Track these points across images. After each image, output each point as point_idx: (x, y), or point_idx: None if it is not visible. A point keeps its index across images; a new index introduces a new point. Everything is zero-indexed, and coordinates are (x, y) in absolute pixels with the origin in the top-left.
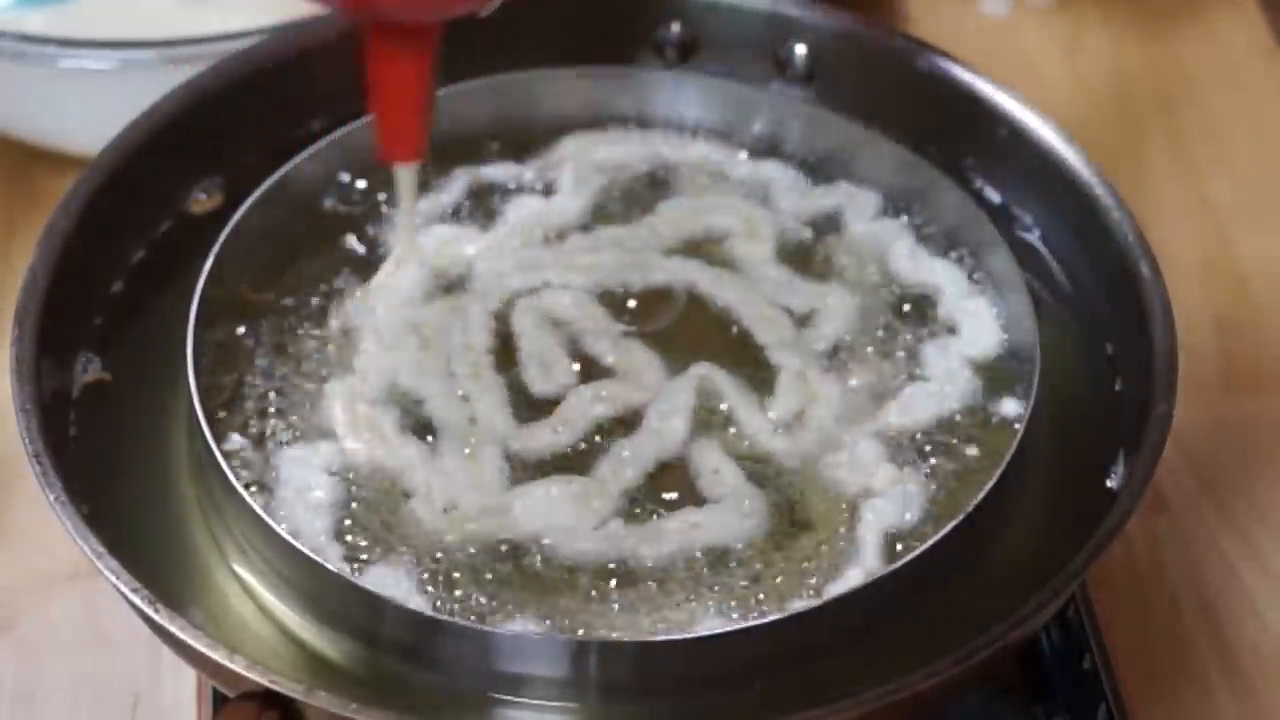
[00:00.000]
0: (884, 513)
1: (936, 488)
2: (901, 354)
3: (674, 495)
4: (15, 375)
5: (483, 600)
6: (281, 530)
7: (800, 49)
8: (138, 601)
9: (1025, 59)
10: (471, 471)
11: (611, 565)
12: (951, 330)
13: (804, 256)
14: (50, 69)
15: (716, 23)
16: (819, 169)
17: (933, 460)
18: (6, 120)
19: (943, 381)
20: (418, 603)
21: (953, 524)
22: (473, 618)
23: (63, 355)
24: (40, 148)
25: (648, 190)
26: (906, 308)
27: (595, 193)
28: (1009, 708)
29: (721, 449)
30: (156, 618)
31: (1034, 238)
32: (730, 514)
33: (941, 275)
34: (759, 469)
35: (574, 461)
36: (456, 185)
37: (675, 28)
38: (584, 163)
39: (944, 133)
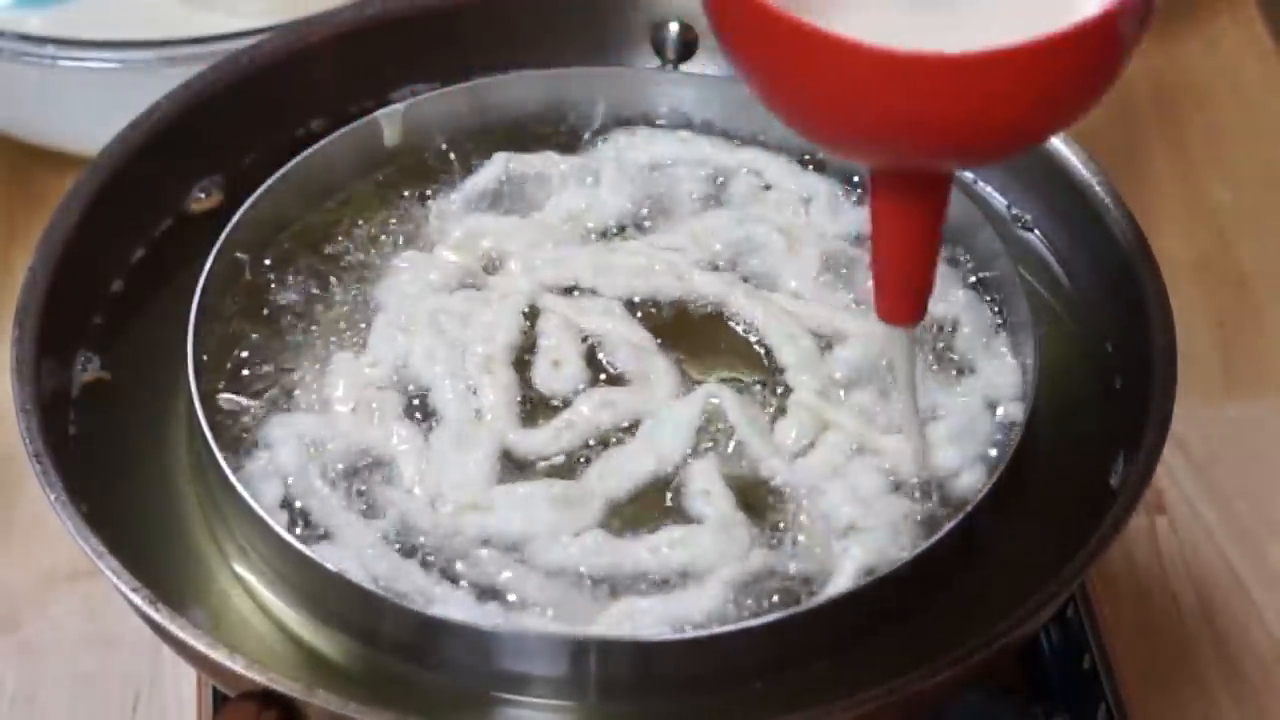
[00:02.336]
0: (870, 548)
1: (926, 530)
2: (922, 390)
3: (662, 511)
4: (15, 375)
5: (436, 590)
6: (282, 530)
7: None
8: (138, 601)
9: None
10: (461, 464)
11: (581, 573)
12: (972, 371)
13: (843, 277)
14: (50, 69)
15: None
16: (864, 185)
17: (932, 503)
18: (6, 120)
19: (958, 423)
20: (364, 578)
21: (953, 523)
22: (418, 605)
23: (62, 355)
24: (40, 148)
25: (692, 196)
26: (934, 343)
27: (638, 194)
28: (1009, 708)
29: (718, 470)
30: (156, 617)
31: (1034, 237)
32: (711, 537)
33: (968, 309)
34: (754, 493)
35: (573, 467)
36: (494, 170)
37: (675, 28)
38: (630, 162)
39: None
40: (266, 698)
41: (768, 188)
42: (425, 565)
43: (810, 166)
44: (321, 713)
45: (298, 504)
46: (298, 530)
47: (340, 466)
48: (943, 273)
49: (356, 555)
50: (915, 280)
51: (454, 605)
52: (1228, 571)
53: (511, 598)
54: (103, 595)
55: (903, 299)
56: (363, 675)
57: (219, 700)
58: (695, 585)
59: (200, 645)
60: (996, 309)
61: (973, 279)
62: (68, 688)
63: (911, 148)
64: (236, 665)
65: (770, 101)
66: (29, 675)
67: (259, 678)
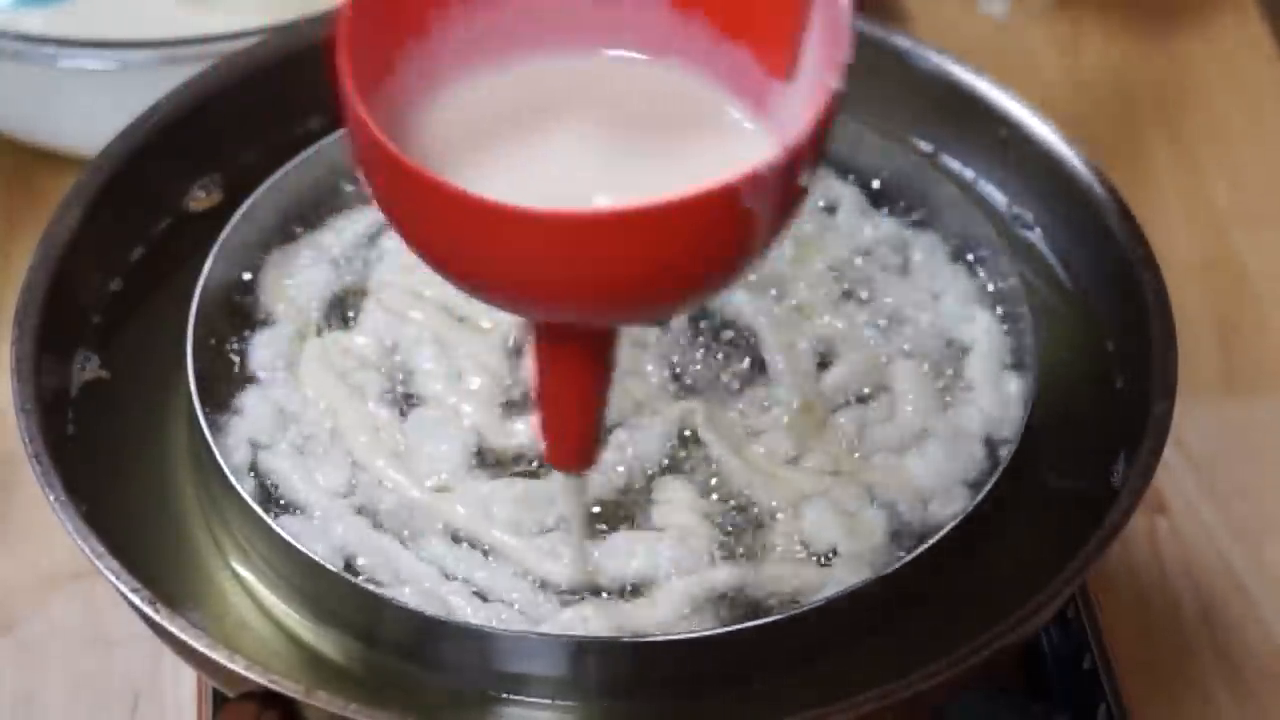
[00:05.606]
0: (849, 572)
1: (904, 558)
2: (916, 414)
3: (627, 520)
4: (15, 375)
5: (404, 565)
6: (282, 531)
7: None
8: (138, 601)
9: (1025, 59)
10: (432, 452)
11: (535, 573)
12: (974, 398)
13: (852, 291)
14: (50, 69)
15: None
16: (889, 197)
17: (911, 525)
18: (6, 120)
19: (948, 453)
20: (331, 556)
21: (953, 524)
22: (371, 585)
23: (62, 354)
24: (40, 148)
25: None
26: (939, 365)
27: None
28: (1009, 707)
29: (686, 484)
30: (156, 618)
31: (1034, 237)
32: (669, 548)
33: (982, 334)
34: (727, 510)
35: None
36: None
37: None
38: None
39: (943, 132)
40: (266, 698)
41: None
42: (384, 551)
43: (844, 174)
44: (321, 713)
45: (267, 477)
46: (272, 512)
47: (312, 439)
48: (966, 291)
49: (326, 528)
50: (583, 429)
51: (418, 584)
52: (1228, 571)
53: (472, 582)
54: (103, 595)
55: (572, 446)
56: (363, 675)
57: (219, 700)
58: (651, 595)
59: (200, 645)
60: (1008, 338)
61: (996, 309)
62: (67, 688)
63: (537, 304)
64: (236, 665)
65: (414, 248)
66: (29, 675)
67: (259, 678)
